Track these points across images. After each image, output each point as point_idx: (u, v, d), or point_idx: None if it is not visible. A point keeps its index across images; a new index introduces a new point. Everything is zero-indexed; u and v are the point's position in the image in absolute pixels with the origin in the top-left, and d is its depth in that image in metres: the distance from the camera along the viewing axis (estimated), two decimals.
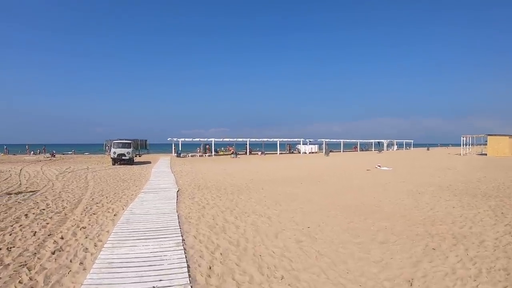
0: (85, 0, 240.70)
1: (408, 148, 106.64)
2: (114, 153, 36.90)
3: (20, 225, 10.03)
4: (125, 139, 40.90)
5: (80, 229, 9.76)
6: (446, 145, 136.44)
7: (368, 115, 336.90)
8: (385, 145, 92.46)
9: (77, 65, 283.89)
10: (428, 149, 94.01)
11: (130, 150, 37.26)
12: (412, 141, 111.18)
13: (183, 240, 8.52)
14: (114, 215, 11.74)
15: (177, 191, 16.72)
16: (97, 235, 9.19)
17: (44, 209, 12.57)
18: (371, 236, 9.13)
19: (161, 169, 30.78)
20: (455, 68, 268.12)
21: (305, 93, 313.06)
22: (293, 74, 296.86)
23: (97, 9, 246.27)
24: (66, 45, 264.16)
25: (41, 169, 30.12)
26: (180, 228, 9.60)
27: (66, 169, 30.42)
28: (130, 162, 37.23)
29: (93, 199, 15.02)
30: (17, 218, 10.99)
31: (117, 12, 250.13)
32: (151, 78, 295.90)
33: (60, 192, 16.97)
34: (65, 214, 11.72)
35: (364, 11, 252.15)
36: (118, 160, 36.84)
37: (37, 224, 10.23)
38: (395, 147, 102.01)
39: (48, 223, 10.35)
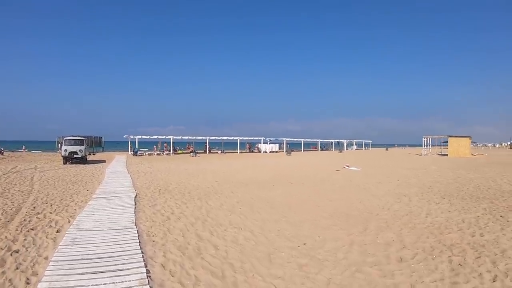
0: None
1: (366, 148, 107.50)
2: (65, 150, 33.63)
3: None
4: (78, 136, 37.62)
5: (11, 254, 7.60)
6: (403, 145, 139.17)
7: (324, 115, 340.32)
8: (344, 145, 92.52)
9: (30, 59, 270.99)
10: (387, 149, 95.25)
11: (83, 147, 34.31)
12: (370, 141, 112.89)
13: (147, 272, 6.40)
14: (57, 231, 9.57)
15: (135, 197, 14.71)
16: (32, 264, 7.05)
17: None
18: (383, 252, 7.68)
19: (117, 169, 28.38)
20: (406, 70, 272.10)
21: (260, 91, 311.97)
22: (248, 73, 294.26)
23: None
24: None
25: None
26: (143, 253, 7.48)
27: (11, 169, 27.30)
28: (83, 161, 34.26)
29: (34, 207, 12.74)
30: None
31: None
32: (107, 74, 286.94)
33: None
34: None
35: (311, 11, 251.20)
36: (70, 159, 33.77)
37: None
38: (355, 147, 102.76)
39: None
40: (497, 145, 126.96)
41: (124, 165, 32.88)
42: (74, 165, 32.39)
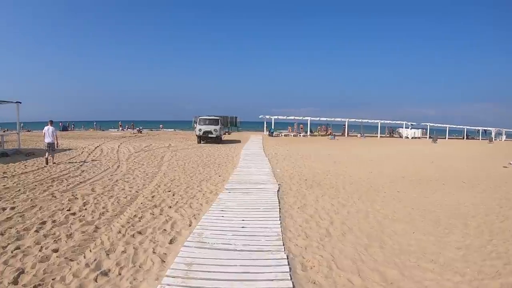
0: None
1: None
2: (200, 130, 32.67)
3: None
4: (213, 116, 36.39)
5: (96, 279, 5.10)
6: None
7: (464, 99, 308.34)
8: (493, 134, 79.99)
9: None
10: None
11: (217, 127, 33.01)
12: None
13: None
14: (170, 241, 6.85)
15: (277, 191, 11.54)
16: None
17: (74, 215, 8.35)
18: None
19: (253, 150, 26.10)
20: None
21: (397, 75, 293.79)
22: (382, 57, 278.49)
23: None
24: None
25: (119, 146, 26.83)
26: None
27: (145, 146, 27.09)
28: (218, 140, 33.10)
29: (153, 196, 10.61)
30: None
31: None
32: (243, 58, 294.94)
33: (117, 180, 12.95)
34: (91, 234, 7.14)
35: None
36: (204, 138, 32.94)
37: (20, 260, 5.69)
38: (504, 136, 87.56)
39: (46, 256, 5.84)
40: None
41: (260, 146, 30.61)
42: (208, 144, 31.24)
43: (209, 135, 32.59)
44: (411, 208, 10.33)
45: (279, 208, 9.24)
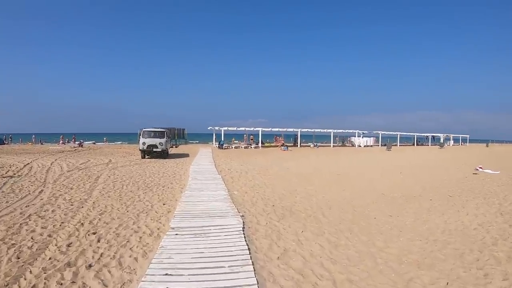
0: None
1: (463, 143, 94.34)
2: (144, 143, 29.12)
3: None
4: (159, 128, 32.83)
5: None
6: (501, 141, 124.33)
7: (407, 108, 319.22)
8: (442, 140, 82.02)
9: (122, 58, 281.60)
10: (487, 146, 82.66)
11: (163, 140, 29.56)
12: (468, 136, 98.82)
13: None
14: None
15: (243, 228, 8.48)
16: None
17: None
18: None
19: (203, 166, 23.00)
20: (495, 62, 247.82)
21: (340, 85, 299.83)
22: (327, 67, 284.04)
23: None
24: (105, 41, 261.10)
25: (52, 163, 22.89)
26: None
27: (81, 163, 23.24)
28: (164, 155, 29.71)
29: (69, 245, 7.29)
30: None
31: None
32: (189, 69, 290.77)
33: (30, 215, 9.61)
34: None
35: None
36: (149, 153, 29.44)
37: None
38: (452, 142, 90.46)
39: None
40: None
41: (211, 160, 27.58)
42: (153, 160, 27.83)
43: (154, 149, 29.15)
44: (419, 240, 8.13)
45: (252, 263, 6.22)
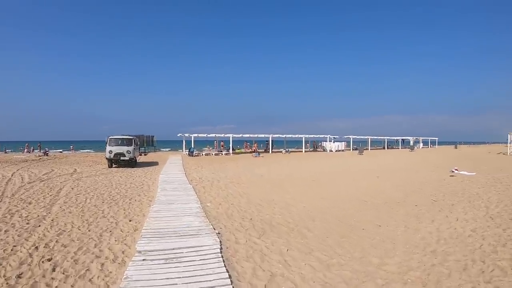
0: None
1: (432, 146, 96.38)
2: (110, 152, 27.63)
3: None
4: (126, 135, 31.28)
5: None
6: (468, 143, 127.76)
7: (373, 112, 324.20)
8: (411, 143, 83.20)
9: (87, 64, 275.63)
10: (456, 147, 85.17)
11: (131, 148, 28.11)
12: (436, 138, 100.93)
13: None
14: None
15: (220, 250, 7.42)
16: None
17: None
18: None
19: (173, 175, 21.75)
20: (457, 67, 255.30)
21: (307, 90, 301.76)
22: (290, 73, 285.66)
23: (102, 10, 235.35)
24: (70, 45, 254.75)
25: (13, 174, 21.22)
26: None
27: (44, 174, 21.59)
28: (132, 163, 28.20)
29: (20, 275, 6.05)
30: None
31: (119, 12, 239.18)
32: (155, 77, 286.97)
33: None
34: None
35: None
36: (116, 161, 27.89)
37: None
38: (421, 144, 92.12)
39: None
40: None
41: (181, 169, 26.31)
42: (121, 169, 26.40)
43: (122, 158, 27.72)
44: (416, 253, 7.49)
45: None
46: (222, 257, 6.78)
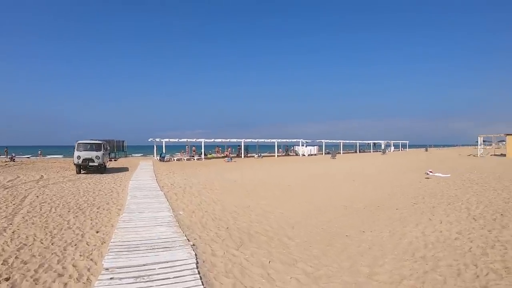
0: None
1: (403, 149, 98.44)
2: (79, 157, 26.39)
3: None
4: (95, 140, 30.12)
5: None
6: (437, 146, 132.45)
7: (343, 116, 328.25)
8: (383, 146, 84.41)
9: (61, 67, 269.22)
10: (426, 150, 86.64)
11: (100, 153, 26.95)
12: (407, 142, 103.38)
13: None
14: None
15: (196, 265, 6.71)
16: None
17: None
18: None
19: (143, 181, 20.86)
20: (423, 70, 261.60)
21: (277, 94, 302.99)
22: (262, 76, 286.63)
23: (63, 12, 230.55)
24: (38, 48, 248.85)
25: None
26: None
27: (8, 181, 20.42)
28: (101, 169, 27.02)
29: None
30: None
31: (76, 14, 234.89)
32: (127, 81, 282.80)
33: None
34: None
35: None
36: (85, 167, 26.74)
37: None
38: (392, 148, 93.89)
39: None
40: None
41: (152, 175, 25.34)
42: (89, 175, 25.29)
43: (90, 164, 26.56)
44: (406, 260, 7.10)
45: None
46: (198, 272, 6.11)
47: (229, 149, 56.16)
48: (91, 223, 10.35)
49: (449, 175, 22.07)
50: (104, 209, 12.50)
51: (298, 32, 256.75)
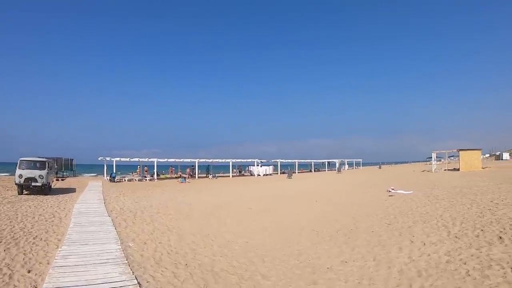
0: None
1: (357, 167, 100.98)
2: (20, 176, 23.94)
3: None
4: (40, 157, 27.68)
5: None
6: (390, 163, 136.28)
7: (298, 136, 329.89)
8: (337, 165, 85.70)
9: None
10: (380, 167, 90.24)
11: (44, 172, 24.53)
12: (361, 160, 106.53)
13: None
14: None
15: None
16: None
17: None
18: None
19: (90, 205, 18.99)
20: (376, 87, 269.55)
21: (229, 113, 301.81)
22: (212, 94, 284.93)
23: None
24: None
25: None
26: None
27: None
28: (45, 190, 24.67)
29: None
30: None
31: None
32: (77, 93, 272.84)
33: None
34: None
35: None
36: (27, 187, 24.29)
37: None
38: (346, 166, 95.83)
39: None
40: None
41: (100, 197, 23.41)
42: (32, 196, 23.06)
43: (33, 183, 24.14)
44: None
45: None
46: None
47: (188, 170, 54.88)
48: (23, 259, 8.65)
49: (411, 192, 21.91)
50: (41, 239, 10.83)
51: (260, 47, 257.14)
